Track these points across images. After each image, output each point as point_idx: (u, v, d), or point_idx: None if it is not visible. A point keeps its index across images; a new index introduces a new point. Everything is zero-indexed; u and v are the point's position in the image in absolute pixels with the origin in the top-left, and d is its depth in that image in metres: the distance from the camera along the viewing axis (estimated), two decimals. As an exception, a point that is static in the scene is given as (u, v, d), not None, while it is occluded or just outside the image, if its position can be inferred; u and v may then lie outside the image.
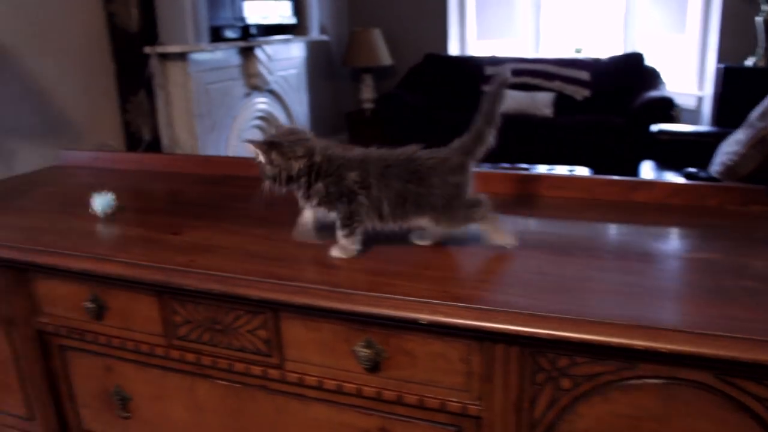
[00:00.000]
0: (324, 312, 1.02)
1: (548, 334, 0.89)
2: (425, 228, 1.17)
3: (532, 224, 1.38)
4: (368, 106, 5.93)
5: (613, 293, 1.00)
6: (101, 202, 1.43)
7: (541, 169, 4.29)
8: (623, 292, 1.00)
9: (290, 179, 1.14)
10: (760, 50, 4.69)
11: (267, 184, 1.16)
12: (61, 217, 1.49)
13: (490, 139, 1.19)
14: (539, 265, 1.11)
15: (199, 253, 1.20)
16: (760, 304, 0.95)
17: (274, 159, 1.13)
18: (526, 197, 1.48)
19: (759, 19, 4.65)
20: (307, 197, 1.16)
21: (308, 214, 1.22)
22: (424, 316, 0.94)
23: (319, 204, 1.15)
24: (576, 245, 1.22)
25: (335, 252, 1.15)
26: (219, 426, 1.25)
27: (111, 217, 1.43)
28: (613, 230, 1.35)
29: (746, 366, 0.84)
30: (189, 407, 1.27)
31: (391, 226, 1.15)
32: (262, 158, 1.15)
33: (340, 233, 1.14)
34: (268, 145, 1.14)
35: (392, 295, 0.98)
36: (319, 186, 1.13)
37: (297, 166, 1.13)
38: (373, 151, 1.17)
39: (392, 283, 1.02)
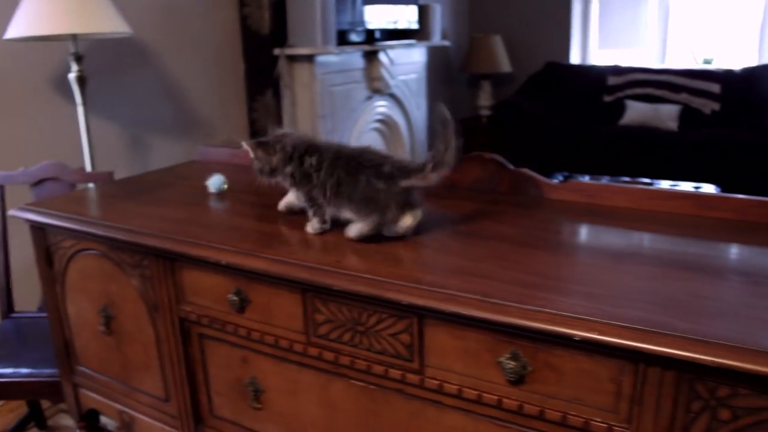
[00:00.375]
0: (471, 321, 1.02)
1: (711, 361, 0.85)
2: (351, 220, 1.30)
3: (676, 243, 1.32)
4: (485, 112, 5.88)
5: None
6: (214, 182, 1.71)
7: (665, 185, 4.13)
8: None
9: (272, 171, 1.38)
10: None
11: (257, 176, 1.40)
12: (204, 211, 1.56)
13: (444, 169, 1.29)
14: (695, 287, 1.06)
15: (344, 254, 1.22)
16: None
17: (260, 155, 1.38)
18: (670, 216, 1.42)
19: None
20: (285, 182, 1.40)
21: (291, 197, 1.46)
22: (579, 333, 0.92)
23: (291, 186, 1.39)
24: (732, 269, 1.16)
25: (308, 228, 1.35)
26: (350, 426, 1.27)
27: (222, 194, 1.69)
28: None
29: None
30: (322, 405, 1.29)
31: (333, 211, 1.32)
32: (252, 155, 1.39)
33: (308, 212, 1.35)
34: (255, 144, 1.38)
35: (544, 309, 0.96)
36: (288, 169, 1.36)
37: (275, 159, 1.36)
38: (335, 144, 1.38)
39: (542, 296, 1.01)
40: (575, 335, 0.92)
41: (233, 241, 1.32)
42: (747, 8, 5.54)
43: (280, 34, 3.63)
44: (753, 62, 5.37)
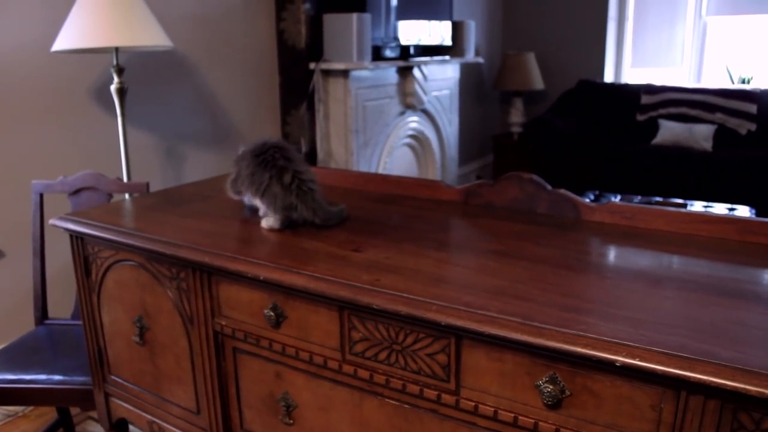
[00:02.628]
0: (510, 343, 1.01)
1: (758, 392, 0.84)
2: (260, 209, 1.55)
3: (722, 269, 1.30)
4: (516, 129, 5.87)
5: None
6: None
7: (698, 205, 4.08)
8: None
9: (234, 181, 1.61)
10: None
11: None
12: (240, 225, 1.57)
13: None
14: (736, 314, 1.05)
15: (382, 272, 1.22)
16: None
17: (232, 169, 1.61)
18: (712, 240, 1.41)
19: None
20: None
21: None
22: (621, 359, 0.91)
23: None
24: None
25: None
26: (383, 443, 1.26)
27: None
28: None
29: None
30: (354, 422, 1.29)
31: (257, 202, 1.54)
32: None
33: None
34: (235, 161, 1.60)
35: (585, 333, 0.95)
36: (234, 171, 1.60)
37: (236, 169, 1.59)
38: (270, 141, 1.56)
39: (582, 320, 1.00)
40: (617, 361, 0.91)
41: (271, 256, 1.33)
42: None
43: (315, 48, 3.67)
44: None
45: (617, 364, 0.91)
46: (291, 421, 1.40)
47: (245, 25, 3.48)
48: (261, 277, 1.26)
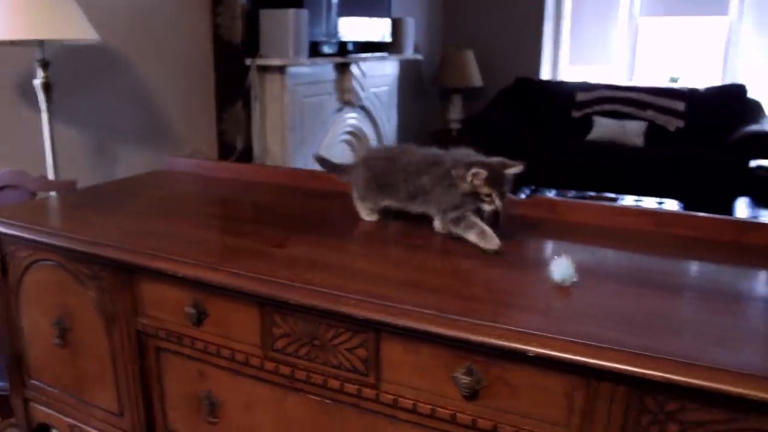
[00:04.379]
0: (427, 336, 1.02)
1: (661, 377, 0.86)
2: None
3: (632, 259, 1.34)
4: (455, 126, 5.92)
5: (728, 339, 0.96)
6: (562, 270, 1.15)
7: (629, 200, 4.19)
8: (739, 338, 0.96)
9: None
10: None
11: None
12: (166, 222, 1.54)
13: None
14: (646, 303, 1.08)
15: (303, 267, 1.21)
16: None
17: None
18: (629, 232, 1.44)
19: None
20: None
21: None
22: (534, 349, 0.92)
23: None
24: (684, 286, 1.18)
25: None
26: (307, 440, 1.26)
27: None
28: (725, 272, 1.29)
29: None
30: (277, 419, 1.28)
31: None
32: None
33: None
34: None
35: (499, 324, 0.96)
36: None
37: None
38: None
39: (497, 311, 1.01)
40: (529, 351, 0.93)
41: (193, 253, 1.30)
42: (712, 29, 5.65)
43: (252, 44, 3.62)
44: (717, 81, 5.47)
45: (529, 354, 0.93)
46: (215, 420, 1.38)
47: (179, 20, 3.42)
48: (179, 274, 1.24)
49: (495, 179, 1.28)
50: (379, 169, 1.47)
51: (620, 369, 0.89)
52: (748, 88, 5.12)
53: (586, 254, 1.34)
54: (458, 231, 1.33)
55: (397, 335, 1.06)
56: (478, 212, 1.32)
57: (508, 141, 5.07)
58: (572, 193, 4.24)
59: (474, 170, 1.27)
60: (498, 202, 1.29)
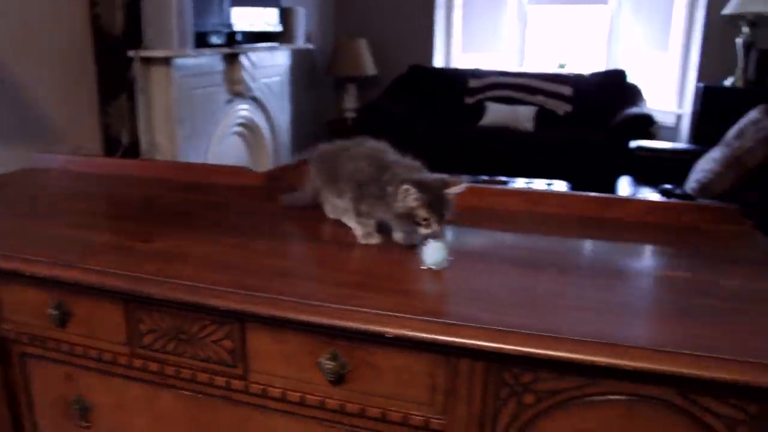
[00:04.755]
0: (290, 324, 1.01)
1: (513, 349, 0.89)
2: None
3: (506, 238, 1.38)
4: (350, 115, 5.93)
5: (582, 309, 1.00)
6: (434, 254, 1.15)
7: (521, 182, 4.31)
8: (592, 309, 1.00)
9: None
10: (739, 71, 4.75)
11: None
12: (30, 222, 1.47)
13: None
14: (510, 280, 1.12)
15: (168, 261, 1.18)
16: (725, 323, 0.95)
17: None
18: (502, 212, 1.48)
19: (739, 40, 4.71)
20: None
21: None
22: (391, 330, 0.94)
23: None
24: (548, 261, 1.22)
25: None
26: (182, 436, 1.24)
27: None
28: (586, 246, 1.36)
29: (707, 384, 0.85)
30: (150, 417, 1.25)
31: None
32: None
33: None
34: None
35: (359, 308, 0.97)
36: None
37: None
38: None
39: (360, 295, 1.02)
40: (387, 333, 0.94)
41: (53, 252, 1.25)
42: (595, 17, 5.88)
43: (134, 35, 3.49)
44: (601, 67, 5.70)
45: (388, 336, 0.94)
46: (88, 424, 1.33)
47: (53, 10, 3.25)
48: (39, 275, 1.19)
49: (434, 202, 1.16)
50: (325, 164, 1.36)
51: (476, 345, 0.91)
52: (627, 73, 5.36)
53: (464, 236, 1.37)
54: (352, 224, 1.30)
55: (263, 325, 1.05)
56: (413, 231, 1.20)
57: (402, 128, 5.12)
58: (465, 178, 4.30)
59: (408, 190, 1.15)
60: (436, 227, 1.17)
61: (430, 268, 1.13)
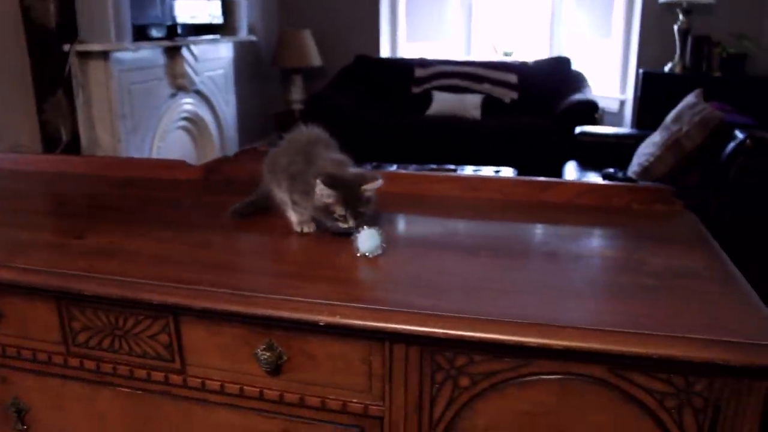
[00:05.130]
0: (224, 315, 1.01)
1: (444, 333, 0.90)
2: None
3: (442, 225, 1.39)
4: (297, 107, 5.90)
5: (515, 292, 1.02)
6: (367, 242, 1.16)
7: (469, 170, 4.34)
8: (525, 291, 1.02)
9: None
10: (677, 57, 4.86)
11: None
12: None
13: None
14: (444, 265, 1.12)
15: (101, 257, 1.16)
16: (654, 300, 0.98)
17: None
18: (441, 199, 1.49)
19: (676, 27, 4.82)
20: None
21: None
22: (324, 318, 0.94)
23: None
24: (483, 246, 1.24)
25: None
26: (123, 434, 1.22)
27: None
28: (521, 230, 1.37)
29: (636, 359, 0.87)
30: (90, 416, 1.23)
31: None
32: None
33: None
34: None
35: (292, 297, 0.97)
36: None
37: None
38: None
39: (294, 284, 1.02)
40: (320, 320, 0.94)
41: (-18, 251, 1.22)
42: (538, 5, 5.95)
43: (69, 28, 3.42)
44: (545, 55, 5.78)
45: (320, 324, 0.94)
46: (25, 427, 1.30)
47: (-19, 4, 3.16)
48: (-36, 276, 1.16)
49: (349, 198, 1.17)
50: (276, 155, 1.34)
51: (408, 330, 0.92)
52: (572, 60, 5.44)
53: (400, 222, 1.37)
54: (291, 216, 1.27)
55: (197, 317, 1.04)
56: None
57: (350, 118, 5.12)
58: (413, 167, 4.33)
59: (320, 186, 1.16)
60: (352, 223, 1.17)
61: (365, 255, 1.13)
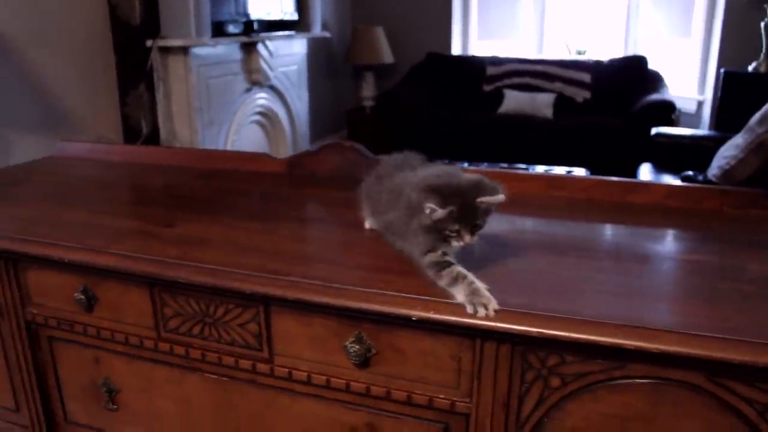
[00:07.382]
0: (315, 307, 1.02)
1: (538, 332, 0.89)
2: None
3: (529, 224, 1.38)
4: (368, 103, 5.92)
5: (607, 293, 0.99)
6: None
7: (540, 170, 4.29)
8: (617, 293, 1.00)
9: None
10: (763, 55, 4.68)
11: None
12: (56, 208, 1.49)
13: None
14: (534, 264, 1.11)
15: (192, 245, 1.19)
16: (753, 307, 0.94)
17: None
18: (524, 197, 1.47)
19: (763, 24, 4.64)
20: None
21: None
22: (416, 313, 0.94)
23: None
24: (572, 245, 1.22)
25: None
26: (206, 419, 1.25)
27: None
28: (609, 231, 1.35)
29: (735, 367, 0.84)
30: (177, 400, 1.26)
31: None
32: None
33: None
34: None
35: (384, 291, 0.97)
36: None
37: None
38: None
39: (385, 278, 1.02)
40: (413, 315, 0.94)
41: (80, 237, 1.26)
42: (614, 3, 5.82)
43: (152, 24, 3.52)
44: (620, 54, 5.65)
45: (413, 318, 0.94)
46: (115, 407, 1.35)
47: (72, 2, 3.28)
48: (66, 260, 1.20)
49: (465, 212, 0.98)
50: (370, 187, 1.21)
51: (501, 328, 0.91)
52: (648, 59, 5.30)
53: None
54: (440, 284, 0.98)
55: (287, 308, 1.06)
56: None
57: (420, 116, 5.12)
58: (484, 165, 4.30)
59: (431, 205, 0.96)
60: (468, 239, 1.00)
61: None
